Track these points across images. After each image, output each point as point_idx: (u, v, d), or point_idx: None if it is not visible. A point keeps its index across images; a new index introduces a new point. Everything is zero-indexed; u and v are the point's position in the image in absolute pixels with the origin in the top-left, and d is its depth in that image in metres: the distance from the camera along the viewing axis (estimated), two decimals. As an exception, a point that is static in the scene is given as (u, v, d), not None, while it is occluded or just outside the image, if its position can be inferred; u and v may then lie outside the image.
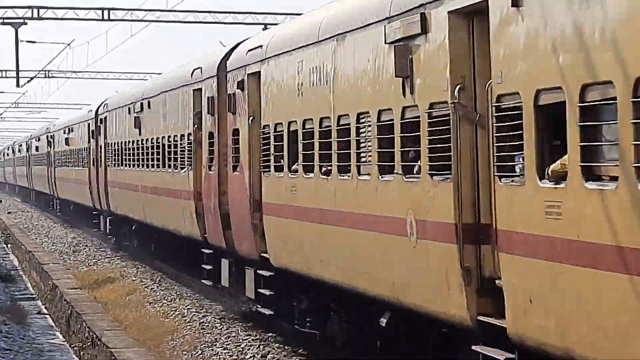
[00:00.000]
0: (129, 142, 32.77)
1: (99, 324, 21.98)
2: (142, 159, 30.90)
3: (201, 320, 23.77)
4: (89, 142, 39.46)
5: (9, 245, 44.84)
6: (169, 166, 26.59)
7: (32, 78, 52.86)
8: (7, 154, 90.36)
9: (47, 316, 26.34)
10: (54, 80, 63.48)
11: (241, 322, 23.25)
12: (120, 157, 34.08)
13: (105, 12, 41.53)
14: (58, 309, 26.78)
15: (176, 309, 25.77)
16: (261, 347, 20.10)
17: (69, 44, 48.92)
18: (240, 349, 20.01)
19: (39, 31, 51.65)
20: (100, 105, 37.98)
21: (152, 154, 28.58)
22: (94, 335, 20.42)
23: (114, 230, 39.13)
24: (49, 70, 55.56)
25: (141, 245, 34.96)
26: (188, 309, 25.82)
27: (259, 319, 22.25)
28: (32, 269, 36.28)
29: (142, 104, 30.84)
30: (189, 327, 23.18)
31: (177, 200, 25.28)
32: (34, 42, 54.92)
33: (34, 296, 30.02)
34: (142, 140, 30.08)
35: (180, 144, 25.75)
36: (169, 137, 26.74)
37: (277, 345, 20.04)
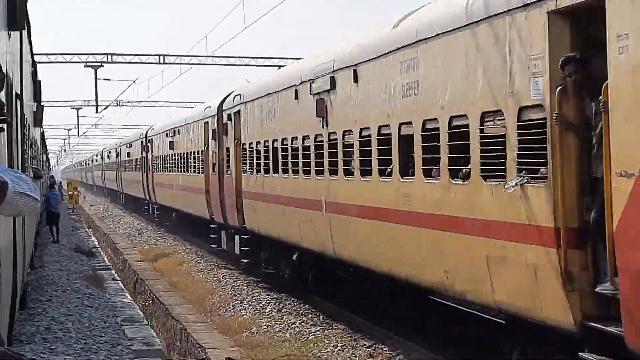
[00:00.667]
0: (166, 155, 43.41)
1: (157, 287, 24.26)
2: (175, 167, 40.87)
3: (232, 285, 26.42)
4: (142, 154, 52.30)
5: (90, 230, 50.56)
6: (190, 171, 36.31)
7: (107, 106, 65.14)
8: (96, 160, 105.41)
9: (119, 281, 28.98)
10: (124, 108, 76.58)
11: (262, 286, 25.79)
12: (161, 165, 45.84)
13: (161, 57, 52.85)
14: (127, 277, 29.64)
15: (214, 276, 28.66)
16: (278, 304, 22.41)
17: (134, 81, 58.85)
18: (262, 306, 22.42)
19: (113, 71, 57.86)
20: (148, 129, 50.85)
21: (181, 164, 38.90)
22: (154, 296, 22.60)
23: (160, 216, 49.13)
24: (119, 100, 68.05)
25: (178, 226, 43.51)
26: (223, 276, 28.62)
27: (275, 284, 25.09)
28: (107, 247, 39.78)
29: (174, 130, 40.94)
30: (223, 289, 25.90)
31: (196, 194, 34.26)
32: (109, 79, 65.66)
33: (109, 267, 33.02)
34: (175, 154, 40.39)
35: (197, 157, 34.33)
36: (190, 152, 35.99)
37: (289, 303, 22.63)
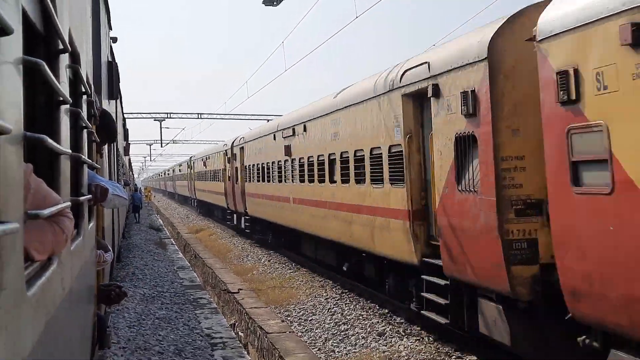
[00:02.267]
0: (202, 172, 48.58)
1: (197, 248, 26.16)
2: (206, 177, 45.76)
3: (242, 246, 28.65)
4: (187, 170, 59.54)
5: (158, 215, 55.44)
6: (216, 180, 40.23)
7: (167, 143, 75.08)
8: (161, 175, 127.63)
9: (175, 245, 30.53)
10: (178, 144, 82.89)
11: (258, 247, 27.41)
12: (200, 177, 50.13)
13: (199, 114, 59.82)
14: (180, 242, 31.50)
15: (231, 242, 31.11)
16: (268, 257, 24.02)
17: (183, 129, 75.19)
18: (259, 258, 24.18)
19: (171, 121, 61.22)
20: (190, 157, 59.38)
21: (209, 176, 44.14)
22: (195, 253, 24.41)
23: (197, 207, 56.46)
24: (174, 140, 76.61)
25: (208, 213, 49.20)
26: (237, 241, 30.91)
27: (265, 246, 26.48)
28: (168, 225, 43.66)
29: (206, 157, 46.14)
30: (237, 249, 28.01)
31: (219, 195, 38.15)
32: (168, 127, 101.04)
33: (169, 237, 35.41)
34: (205, 171, 46.11)
35: (218, 172, 38.74)
36: (215, 170, 40.52)
37: (274, 256, 23.95)
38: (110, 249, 6.81)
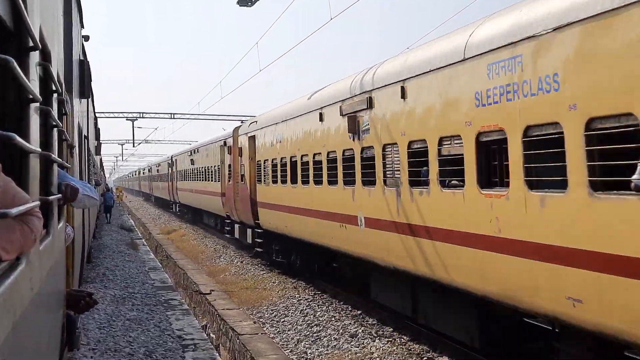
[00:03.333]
0: (187, 170, 41.22)
1: (169, 248, 26.17)
2: (194, 178, 38.47)
3: (214, 247, 28.09)
4: (168, 170, 52.13)
5: (129, 215, 54.09)
6: (209, 180, 32.59)
7: (140, 143, 72.69)
8: (134, 175, 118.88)
9: (147, 246, 29.55)
10: (150, 144, 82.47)
11: (233, 247, 26.91)
12: (182, 176, 43.59)
13: (172, 114, 57.61)
14: (151, 243, 31.13)
15: (203, 243, 30.51)
16: (241, 258, 23.51)
17: (156, 128, 70.29)
18: (231, 259, 23.85)
19: (143, 120, 60.32)
20: (172, 155, 51.75)
21: (199, 175, 35.97)
22: (166, 254, 24.43)
23: (181, 211, 49.10)
24: (147, 140, 74.50)
25: (193, 217, 42.89)
26: (209, 243, 30.26)
27: (239, 246, 26.09)
28: (140, 225, 42.61)
29: (191, 152, 39.45)
30: (209, 250, 27.45)
31: (213, 197, 30.37)
32: (140, 127, 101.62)
33: (140, 237, 34.08)
34: (194, 169, 38.45)
35: (213, 170, 31.38)
36: (208, 167, 32.67)
37: (246, 258, 23.43)
38: (71, 227, 6.71)
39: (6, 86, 2.92)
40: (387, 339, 11.26)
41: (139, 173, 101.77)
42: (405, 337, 11.25)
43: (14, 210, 2.39)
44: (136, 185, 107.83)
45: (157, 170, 63.94)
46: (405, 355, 10.21)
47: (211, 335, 12.71)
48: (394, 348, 10.66)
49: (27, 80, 2.86)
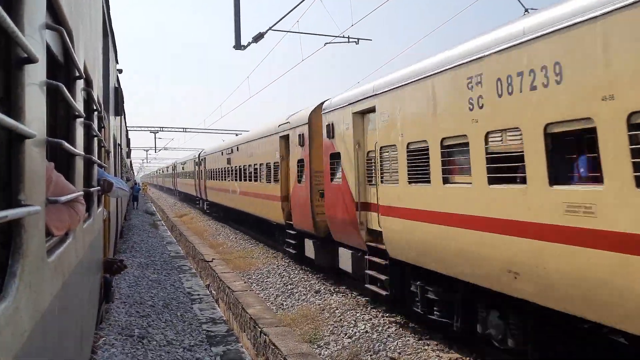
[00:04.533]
0: (222, 168, 26.49)
1: (181, 227, 24.88)
2: (233, 178, 24.21)
3: (216, 227, 26.67)
4: (195, 168, 37.30)
5: (152, 203, 51.67)
6: (258, 180, 19.58)
7: (160, 149, 70.19)
8: (159, 172, 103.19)
9: (165, 226, 28.98)
10: (168, 150, 79.47)
11: (229, 228, 25.17)
12: (214, 176, 28.70)
13: (184, 129, 55.04)
14: (169, 224, 29.49)
15: (207, 224, 28.62)
16: (235, 235, 22.59)
17: (172, 139, 72.53)
18: (228, 235, 22.95)
19: (165, 133, 61.22)
20: (200, 154, 35.07)
21: (242, 175, 21.04)
22: (180, 232, 23.25)
23: (210, 210, 40.75)
24: (166, 148, 72.65)
25: (202, 206, 37.65)
26: (212, 223, 28.68)
27: (235, 227, 24.64)
28: (160, 211, 40.81)
29: (228, 150, 26.17)
30: (212, 229, 25.96)
31: (265, 201, 17.19)
32: (161, 138, 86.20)
33: (160, 220, 33.19)
34: (231, 168, 23.44)
35: (265, 169, 18.91)
36: (254, 165, 19.06)
37: (239, 234, 22.64)
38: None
39: (58, 106, 2.90)
40: (342, 294, 11.20)
41: (164, 171, 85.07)
42: (355, 293, 11.19)
43: (63, 198, 2.38)
44: (161, 181, 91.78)
45: (182, 168, 49.56)
46: (354, 305, 10.18)
47: (212, 291, 12.56)
48: (347, 300, 10.61)
49: (74, 101, 2.85)
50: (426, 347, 7.66)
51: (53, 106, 2.83)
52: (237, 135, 30.14)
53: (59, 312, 2.31)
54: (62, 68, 2.84)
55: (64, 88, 2.42)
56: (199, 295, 11.35)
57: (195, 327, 8.54)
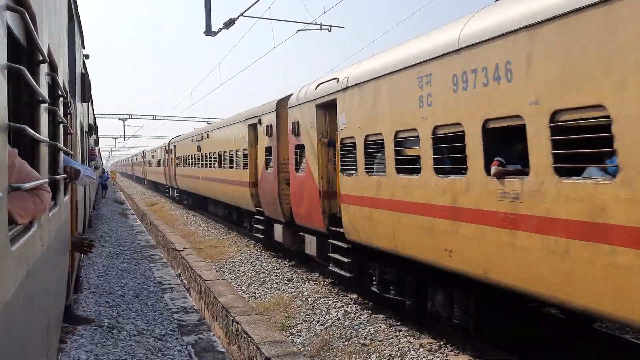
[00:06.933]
0: (192, 155, 26.21)
1: (151, 216, 25.45)
2: (203, 164, 23.98)
3: (186, 215, 26.80)
4: (164, 156, 36.36)
5: (121, 192, 49.65)
6: (227, 167, 19.85)
7: (129, 137, 70.94)
8: (127, 160, 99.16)
9: (134, 215, 27.92)
10: (137, 138, 79.81)
11: (199, 216, 25.52)
12: (185, 162, 28.04)
13: (153, 116, 53.90)
14: (138, 213, 29.27)
15: (178, 212, 28.72)
16: (207, 224, 22.44)
17: (141, 127, 76.17)
18: (199, 224, 22.83)
19: (134, 120, 58.93)
20: (170, 141, 34.17)
21: (212, 162, 21.17)
22: (150, 221, 23.51)
23: (179, 197, 38.95)
24: (135, 136, 73.31)
25: (172, 194, 37.17)
26: (183, 212, 28.57)
27: (207, 215, 24.78)
28: (129, 200, 39.96)
29: (197, 137, 26.17)
30: (182, 217, 26.17)
31: (234, 187, 17.51)
32: (130, 125, 74.85)
33: (130, 209, 31.85)
34: (201, 155, 23.49)
35: (234, 156, 19.69)
36: (224, 152, 19.29)
37: (212, 223, 22.54)
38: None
39: (21, 90, 2.82)
40: (314, 282, 11.21)
41: (132, 159, 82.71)
42: (327, 281, 11.21)
43: (27, 185, 2.33)
44: (130, 169, 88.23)
45: (152, 156, 48.16)
46: (327, 293, 10.21)
47: (184, 281, 12.50)
48: (319, 288, 10.65)
49: (37, 86, 2.77)
50: (397, 333, 7.84)
51: (15, 91, 2.75)
52: (208, 123, 30.03)
53: (24, 301, 2.26)
54: (25, 51, 2.76)
55: (26, 72, 2.35)
56: (170, 284, 10.91)
57: (167, 317, 8.44)
